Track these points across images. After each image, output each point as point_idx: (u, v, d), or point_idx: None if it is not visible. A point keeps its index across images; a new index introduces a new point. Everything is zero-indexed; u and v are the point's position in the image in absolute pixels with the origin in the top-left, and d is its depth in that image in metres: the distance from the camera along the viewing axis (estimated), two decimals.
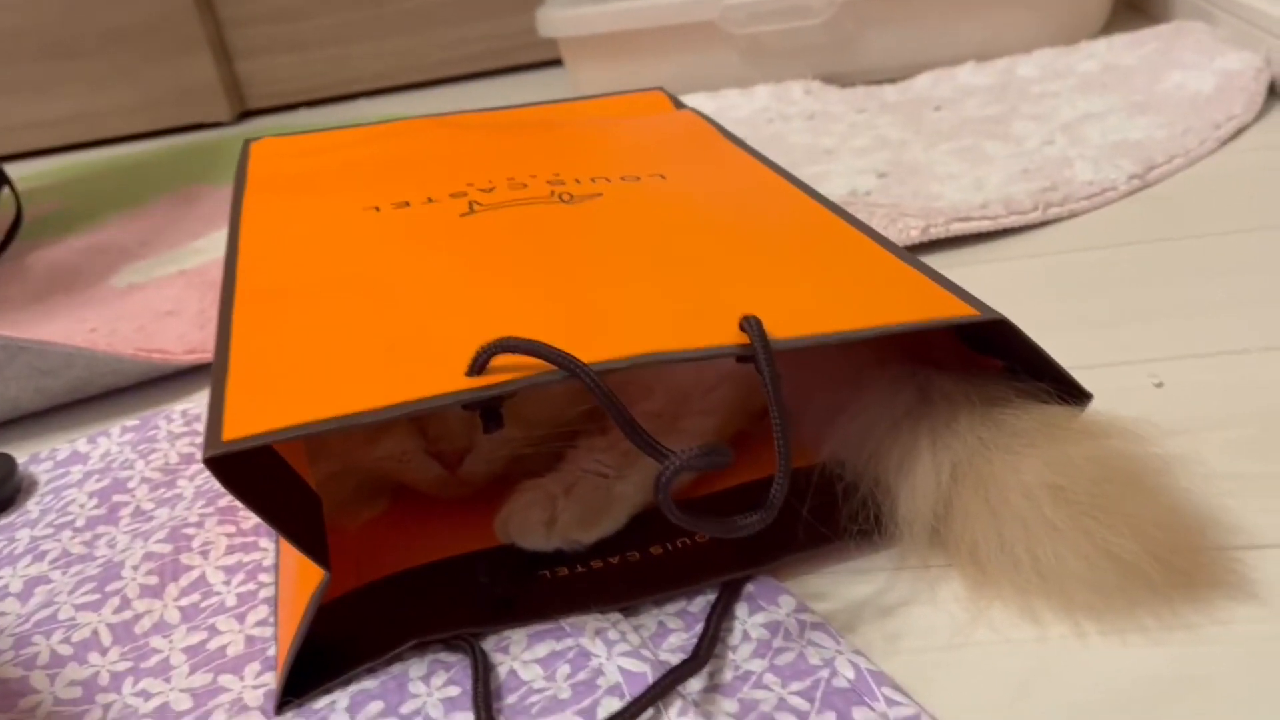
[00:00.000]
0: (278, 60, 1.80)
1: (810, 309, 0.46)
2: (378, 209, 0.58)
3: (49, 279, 1.10)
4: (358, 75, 1.80)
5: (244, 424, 0.40)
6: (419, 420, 0.52)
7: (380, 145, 0.71)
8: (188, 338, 0.83)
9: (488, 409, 0.44)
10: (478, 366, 0.41)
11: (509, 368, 0.41)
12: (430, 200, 0.58)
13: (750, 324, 0.43)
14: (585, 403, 0.54)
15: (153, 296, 0.99)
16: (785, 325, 0.44)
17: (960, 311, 0.47)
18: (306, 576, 0.44)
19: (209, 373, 0.78)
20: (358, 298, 0.49)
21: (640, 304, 0.47)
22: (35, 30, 1.77)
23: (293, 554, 0.48)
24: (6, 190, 1.27)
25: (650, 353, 0.42)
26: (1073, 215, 0.80)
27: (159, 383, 0.79)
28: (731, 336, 0.44)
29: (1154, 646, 0.41)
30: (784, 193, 0.61)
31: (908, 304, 0.47)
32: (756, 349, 0.42)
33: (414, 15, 1.75)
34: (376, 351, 0.44)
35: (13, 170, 1.72)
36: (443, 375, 0.41)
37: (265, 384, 0.43)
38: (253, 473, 0.42)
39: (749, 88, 1.25)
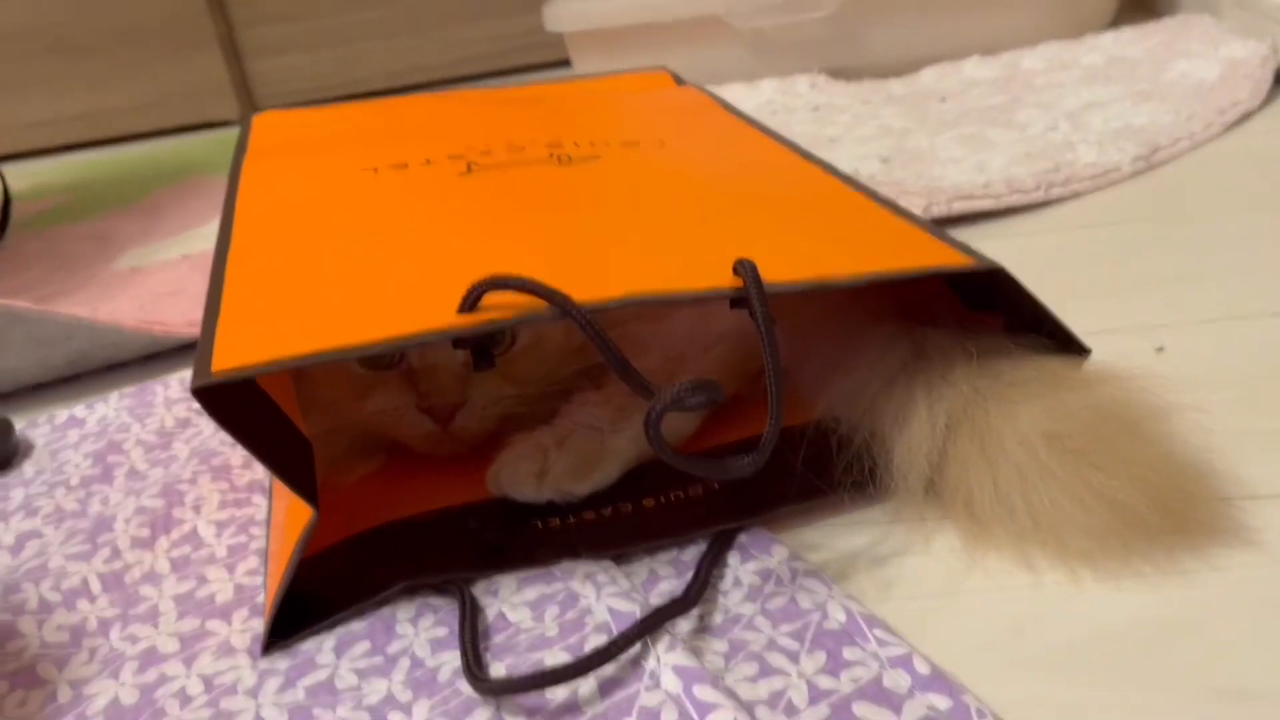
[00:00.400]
0: (287, 60, 1.81)
1: (806, 257, 0.46)
2: (375, 170, 0.58)
3: (51, 264, 1.11)
4: (367, 74, 1.80)
5: (233, 357, 0.40)
6: (411, 375, 0.51)
7: (381, 115, 0.71)
8: (189, 314, 0.83)
9: (479, 348, 0.44)
10: (469, 304, 0.41)
11: (501, 307, 0.41)
12: (428, 162, 0.59)
13: (744, 266, 0.43)
14: (579, 361, 0.54)
15: (155, 279, 0.99)
16: (780, 271, 0.44)
17: (956, 261, 0.47)
18: (296, 520, 0.43)
19: None
20: (351, 246, 0.48)
21: (634, 251, 0.46)
22: (47, 28, 1.78)
23: (283, 504, 0.48)
24: None
25: (643, 293, 0.42)
26: (1076, 195, 0.80)
27: (159, 358, 0.79)
28: (726, 280, 0.43)
29: (1149, 592, 0.40)
30: (783, 156, 0.60)
31: (904, 253, 0.47)
32: (750, 290, 0.42)
33: (423, 15, 1.76)
34: (368, 293, 0.44)
35: (22, 167, 1.73)
36: (433, 313, 0.41)
37: (256, 322, 0.42)
38: (244, 412, 0.42)
39: (755, 81, 1.25)
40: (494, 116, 0.68)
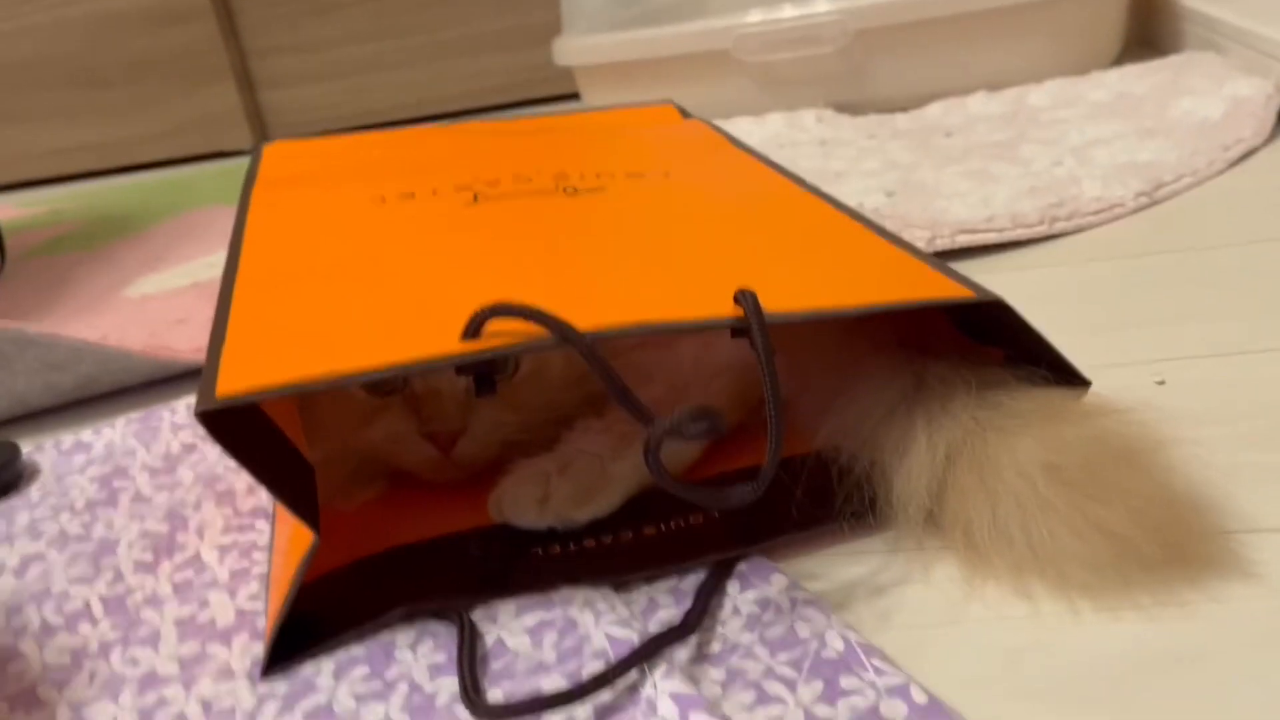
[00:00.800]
0: (300, 90, 1.83)
1: (807, 287, 0.46)
2: (383, 199, 0.59)
3: (62, 289, 1.12)
4: (377, 105, 1.83)
5: (237, 381, 0.40)
6: (414, 402, 0.52)
7: (390, 147, 0.72)
8: (196, 341, 0.84)
9: (481, 375, 0.44)
10: (472, 331, 0.41)
11: (504, 333, 0.41)
12: (435, 192, 0.59)
13: (745, 297, 0.43)
14: (581, 390, 0.54)
15: (165, 306, 1.00)
16: (781, 301, 0.44)
17: (957, 293, 0.47)
18: (297, 545, 0.44)
19: None
20: (357, 274, 0.49)
21: (637, 281, 0.47)
22: (63, 59, 1.81)
23: (286, 529, 0.48)
24: None
25: (644, 322, 0.42)
26: (1079, 230, 0.80)
27: (167, 383, 0.79)
28: (727, 310, 0.44)
29: (1148, 623, 0.40)
30: (786, 189, 0.61)
31: (905, 285, 0.48)
32: (750, 320, 0.42)
33: (433, 48, 1.78)
34: (372, 320, 0.44)
35: (36, 195, 1.75)
36: (436, 340, 0.41)
37: (261, 347, 0.43)
38: (247, 436, 0.42)
39: (762, 116, 1.27)
40: (501, 148, 0.69)
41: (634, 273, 0.48)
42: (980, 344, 0.51)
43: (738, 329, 0.43)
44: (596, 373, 0.41)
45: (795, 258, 0.50)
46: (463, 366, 0.42)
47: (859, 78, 1.27)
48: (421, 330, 0.42)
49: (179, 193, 1.58)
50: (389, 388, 0.51)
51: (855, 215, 0.57)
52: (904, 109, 1.24)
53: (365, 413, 0.52)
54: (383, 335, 0.43)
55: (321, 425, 0.53)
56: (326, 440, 0.53)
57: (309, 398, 0.53)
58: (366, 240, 0.53)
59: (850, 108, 1.27)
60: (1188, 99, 1.03)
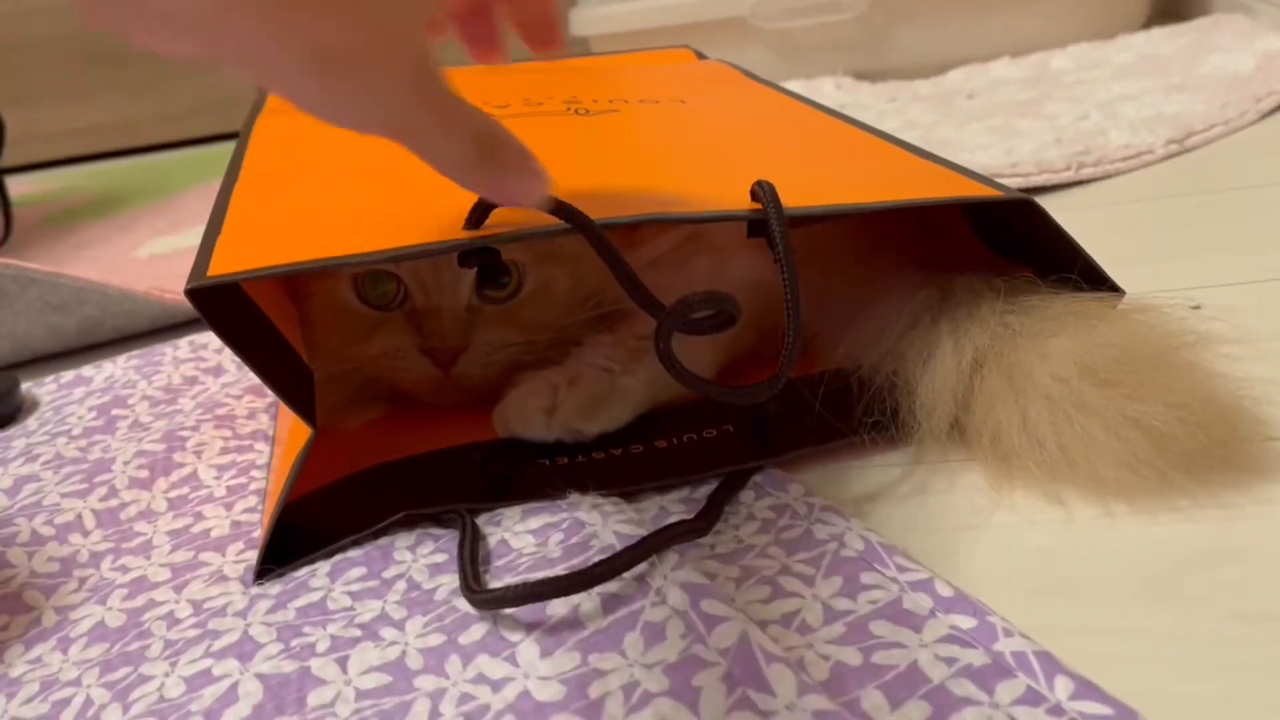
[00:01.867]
0: None
1: (826, 187, 0.45)
2: None
3: (74, 250, 1.11)
4: None
5: (229, 264, 0.38)
6: (414, 317, 0.50)
7: None
8: None
9: (485, 269, 0.42)
10: (474, 220, 0.39)
11: (508, 224, 0.39)
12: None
13: (762, 187, 0.41)
14: (585, 311, 0.52)
15: (174, 264, 0.99)
16: (799, 198, 0.42)
17: (982, 192, 0.45)
18: (296, 444, 0.42)
19: None
20: (358, 177, 0.47)
21: (650, 180, 0.45)
22: (77, 38, 1.80)
23: (284, 449, 0.46)
24: None
25: (656, 213, 0.40)
26: (1108, 176, 0.78)
27: (170, 330, 0.78)
28: (744, 205, 0.42)
29: (1187, 523, 0.38)
30: (809, 113, 0.59)
31: (929, 184, 0.46)
32: (769, 211, 0.40)
33: None
34: (372, 214, 0.43)
35: (52, 175, 1.75)
36: (437, 230, 0.40)
37: (256, 237, 0.41)
38: (244, 331, 0.41)
39: (781, 83, 1.24)
40: (511, 79, 0.67)
41: (647, 174, 0.46)
42: (1009, 261, 0.49)
43: (755, 224, 0.41)
44: (604, 258, 0.39)
45: (815, 163, 0.49)
46: (466, 254, 0.40)
47: (879, 45, 1.25)
48: (422, 222, 0.41)
49: (195, 168, 1.57)
50: (388, 300, 0.49)
51: (881, 134, 0.55)
52: (924, 76, 1.22)
53: (364, 327, 0.50)
54: (381, 227, 0.41)
55: (320, 344, 0.51)
56: (325, 359, 0.51)
57: (308, 315, 0.51)
58: (369, 150, 0.51)
59: (870, 75, 1.25)
60: (1217, 56, 1.00)
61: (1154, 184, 0.75)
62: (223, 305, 0.40)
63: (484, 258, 0.41)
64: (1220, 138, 0.83)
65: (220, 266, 0.38)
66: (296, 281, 0.51)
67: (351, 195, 0.46)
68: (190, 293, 0.37)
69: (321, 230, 0.41)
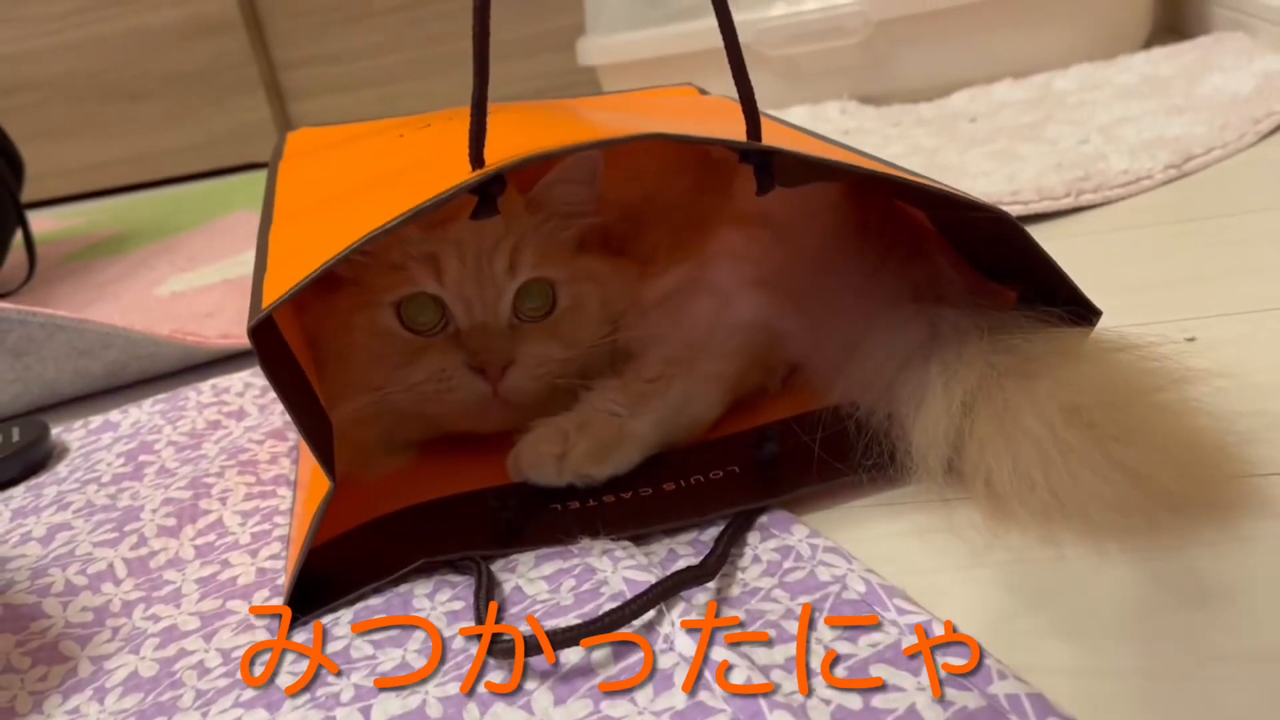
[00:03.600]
0: (329, 100, 1.85)
1: (816, 149, 0.46)
2: (401, 135, 0.59)
3: (98, 289, 1.13)
4: (406, 112, 1.84)
5: (276, 294, 0.40)
6: (457, 338, 0.51)
7: (412, 119, 0.73)
8: (224, 330, 0.84)
9: (483, 196, 0.42)
10: (475, 155, 0.41)
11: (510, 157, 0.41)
12: (451, 118, 0.59)
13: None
14: (611, 325, 0.54)
15: (194, 302, 1.01)
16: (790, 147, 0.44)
17: (963, 195, 0.46)
18: (316, 495, 0.44)
19: (243, 359, 0.79)
20: (374, 187, 0.49)
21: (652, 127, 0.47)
22: (99, 74, 1.84)
23: (305, 494, 0.48)
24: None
25: (651, 133, 0.41)
26: (1107, 202, 0.79)
27: (193, 371, 0.80)
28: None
29: (1179, 561, 0.39)
30: (806, 139, 0.61)
31: (911, 176, 0.47)
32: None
33: (459, 55, 1.79)
34: (386, 203, 0.44)
35: (72, 210, 1.78)
36: (442, 184, 0.41)
37: (296, 265, 0.43)
38: (286, 378, 0.43)
39: (785, 109, 1.26)
40: (520, 105, 0.70)
41: (645, 123, 0.48)
42: (994, 281, 0.51)
43: (746, 152, 0.43)
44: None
45: (812, 148, 0.50)
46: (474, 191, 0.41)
47: (882, 69, 1.26)
48: (428, 189, 0.42)
49: (211, 201, 1.60)
50: (432, 324, 0.51)
51: (883, 161, 0.56)
52: (928, 99, 1.24)
53: (408, 353, 0.51)
54: (394, 204, 0.42)
55: (357, 380, 0.52)
56: (361, 393, 0.52)
57: (345, 350, 0.52)
58: (387, 163, 0.53)
59: (874, 99, 1.26)
60: (1217, 76, 1.02)
61: (1152, 210, 0.76)
62: (274, 350, 0.42)
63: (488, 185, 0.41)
64: (1219, 161, 0.84)
65: (270, 299, 0.40)
66: (325, 321, 0.53)
67: (372, 201, 0.47)
68: (252, 333, 0.39)
69: (346, 229, 0.43)
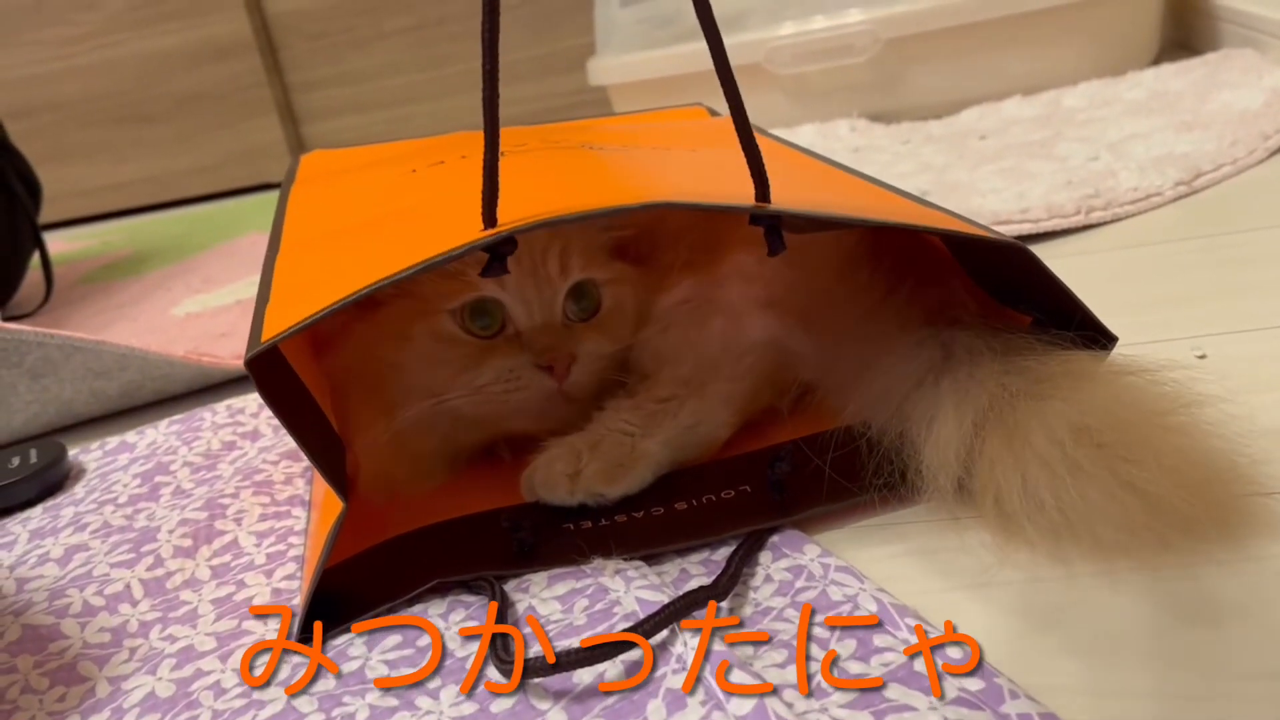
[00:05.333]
0: (341, 121, 1.86)
1: (829, 204, 0.46)
2: (414, 171, 0.59)
3: (113, 310, 1.14)
4: (417, 133, 1.85)
5: (279, 327, 0.41)
6: (516, 340, 0.52)
7: (422, 142, 0.73)
8: (238, 351, 0.85)
9: (495, 255, 0.43)
10: (488, 216, 0.41)
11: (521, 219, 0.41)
12: (464, 157, 0.60)
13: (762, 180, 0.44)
14: (644, 322, 0.56)
15: (209, 323, 1.02)
16: (799, 205, 0.44)
17: (972, 230, 0.47)
18: (329, 516, 0.44)
19: None
20: (387, 225, 0.49)
21: (664, 185, 0.47)
22: (114, 96, 1.86)
23: (319, 513, 0.49)
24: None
25: (660, 202, 0.42)
26: (1117, 220, 0.80)
27: (208, 392, 0.80)
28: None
29: (1189, 580, 0.39)
30: (816, 164, 0.62)
31: (921, 215, 0.48)
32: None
33: (471, 76, 1.79)
34: (400, 247, 0.44)
35: (88, 231, 1.79)
36: (457, 238, 0.41)
37: (300, 297, 0.43)
38: (290, 404, 0.43)
39: (795, 127, 1.27)
40: (535, 130, 0.71)
41: (661, 180, 0.48)
42: (1008, 307, 0.51)
43: (756, 216, 0.44)
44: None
45: (819, 192, 0.51)
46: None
47: (892, 86, 1.27)
48: (443, 239, 0.42)
49: (225, 222, 1.61)
50: (492, 327, 0.52)
51: (888, 185, 0.56)
52: (938, 116, 1.24)
53: (472, 356, 0.52)
54: (412, 254, 0.42)
55: (416, 383, 0.53)
56: (421, 400, 0.52)
57: (401, 359, 0.53)
58: (397, 199, 0.54)
59: (884, 116, 1.27)
60: (1226, 92, 1.02)
61: (1162, 227, 0.77)
62: (274, 375, 0.42)
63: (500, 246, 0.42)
64: (1228, 178, 0.84)
65: (271, 331, 0.41)
66: (372, 337, 0.53)
67: (381, 241, 0.48)
68: (249, 363, 0.39)
69: (357, 272, 0.43)
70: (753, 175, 0.44)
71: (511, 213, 0.41)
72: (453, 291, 0.52)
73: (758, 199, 0.44)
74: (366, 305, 0.53)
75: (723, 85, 0.44)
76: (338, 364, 0.54)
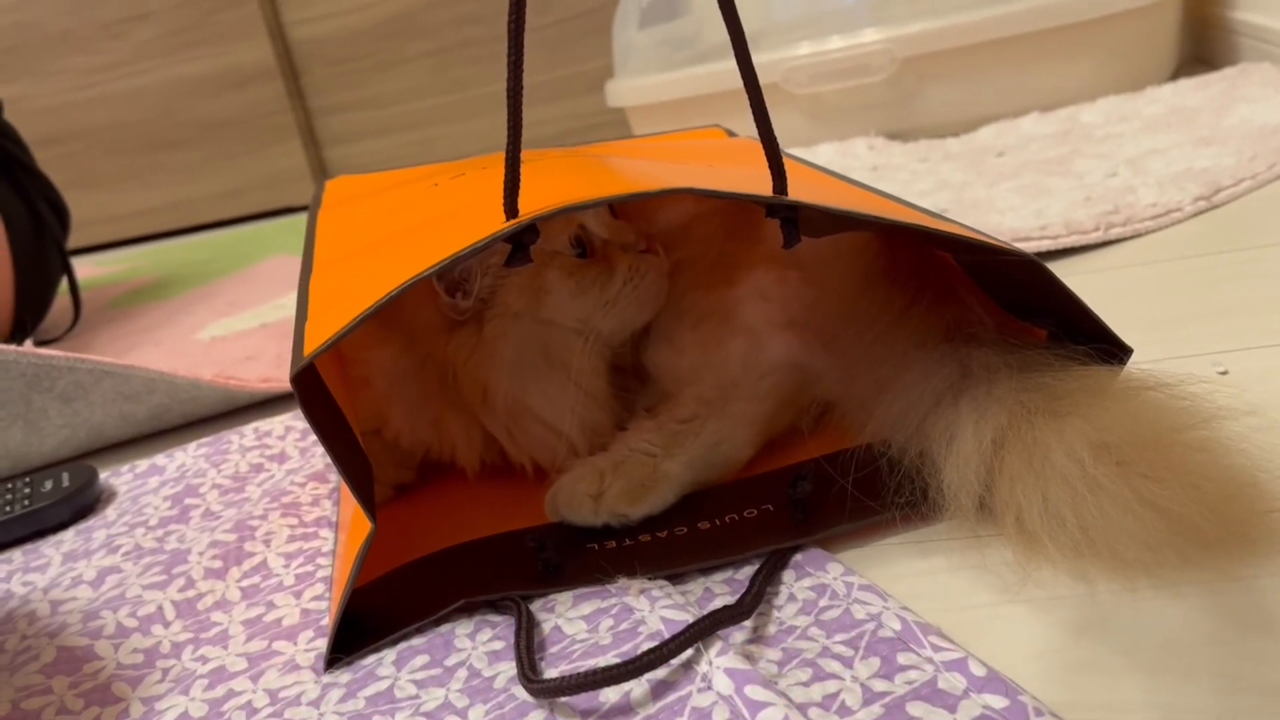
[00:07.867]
0: (363, 145, 1.88)
1: (844, 201, 0.47)
2: (436, 184, 0.60)
3: (140, 334, 1.16)
4: (439, 156, 1.87)
5: (319, 341, 0.41)
6: (607, 249, 0.55)
7: (446, 166, 0.74)
8: (264, 374, 0.86)
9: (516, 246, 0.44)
10: (510, 206, 0.42)
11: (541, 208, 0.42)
12: (484, 168, 0.61)
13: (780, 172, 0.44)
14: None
15: (234, 346, 1.03)
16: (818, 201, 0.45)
17: (984, 239, 0.47)
18: (357, 537, 0.45)
19: (282, 402, 0.81)
20: (414, 234, 0.50)
21: (681, 180, 0.48)
22: (139, 123, 1.89)
23: (347, 534, 0.49)
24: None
25: (679, 187, 0.43)
26: (1136, 235, 0.80)
27: (234, 415, 0.82)
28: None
29: (1210, 596, 0.40)
30: (832, 181, 0.62)
31: (935, 223, 0.48)
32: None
33: (491, 98, 1.83)
34: (431, 250, 0.45)
35: (115, 256, 1.82)
36: (482, 232, 0.42)
37: (336, 311, 0.44)
38: (328, 424, 0.44)
39: (813, 146, 1.28)
40: (548, 150, 0.72)
41: (678, 174, 0.49)
42: (1024, 321, 0.51)
43: (773, 207, 0.44)
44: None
45: (837, 197, 0.51)
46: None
47: (909, 105, 1.27)
48: (464, 236, 0.43)
49: (249, 246, 1.63)
50: (590, 251, 0.55)
51: (905, 202, 0.57)
52: (955, 134, 1.24)
53: (595, 274, 0.55)
54: (439, 251, 0.43)
55: (569, 323, 0.55)
56: (572, 339, 0.55)
57: (541, 309, 0.54)
58: (422, 211, 0.55)
59: (901, 135, 1.27)
60: (1245, 106, 1.02)
61: (1182, 243, 0.77)
62: (313, 396, 0.43)
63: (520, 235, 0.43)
64: (1248, 192, 0.84)
65: (312, 347, 0.41)
66: (503, 301, 0.55)
67: (412, 246, 0.49)
68: (295, 378, 0.40)
69: (392, 277, 0.44)
70: (770, 165, 0.44)
71: (532, 204, 0.42)
72: (552, 234, 0.54)
73: (775, 192, 0.44)
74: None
75: (740, 64, 0.44)
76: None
